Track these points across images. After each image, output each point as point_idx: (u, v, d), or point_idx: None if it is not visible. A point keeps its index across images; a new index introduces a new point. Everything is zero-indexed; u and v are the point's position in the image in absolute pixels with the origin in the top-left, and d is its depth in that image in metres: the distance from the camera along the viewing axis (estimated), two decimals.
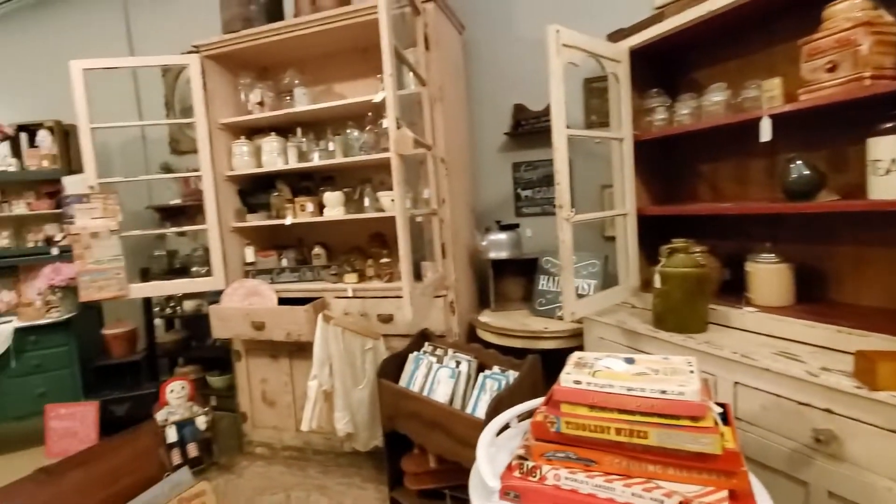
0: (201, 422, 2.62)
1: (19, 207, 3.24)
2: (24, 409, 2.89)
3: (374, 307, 2.33)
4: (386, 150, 2.36)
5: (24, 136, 3.36)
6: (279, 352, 2.53)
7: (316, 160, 2.48)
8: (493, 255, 2.30)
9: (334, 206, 2.48)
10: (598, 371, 1.06)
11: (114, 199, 2.51)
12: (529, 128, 2.51)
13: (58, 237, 3.27)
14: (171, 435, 2.51)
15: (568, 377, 1.04)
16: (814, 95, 1.30)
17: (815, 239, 1.54)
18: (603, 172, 2.45)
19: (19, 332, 2.86)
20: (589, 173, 2.51)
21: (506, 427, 1.31)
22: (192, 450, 2.55)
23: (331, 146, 2.49)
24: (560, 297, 2.09)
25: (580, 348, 1.93)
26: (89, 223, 2.46)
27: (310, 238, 2.79)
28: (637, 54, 1.82)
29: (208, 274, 2.76)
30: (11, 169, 3.21)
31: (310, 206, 2.51)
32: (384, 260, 2.43)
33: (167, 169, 3.40)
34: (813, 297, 1.51)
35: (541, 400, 1.39)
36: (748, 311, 1.47)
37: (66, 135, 3.34)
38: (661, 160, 1.96)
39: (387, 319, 2.30)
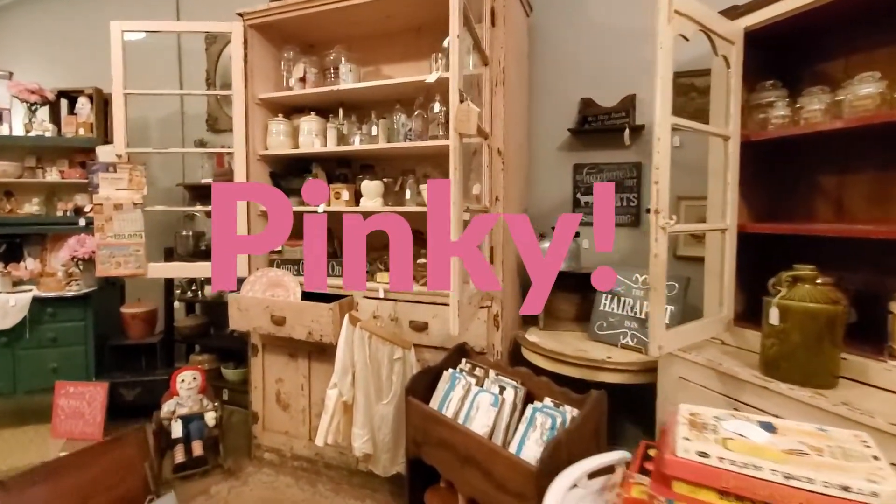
0: (210, 418, 2.42)
1: (52, 175, 3.15)
2: (36, 382, 2.77)
3: (407, 312, 2.07)
4: (435, 137, 2.10)
5: (64, 103, 3.29)
6: (298, 351, 2.30)
7: (357, 144, 2.25)
8: None
9: (372, 196, 2.23)
10: (729, 440, 0.76)
11: (141, 171, 2.35)
12: (598, 125, 2.20)
13: (87, 208, 3.16)
14: (177, 430, 2.32)
15: (687, 444, 0.74)
16: None
17: None
18: (680, 182, 2.13)
19: (37, 303, 2.74)
20: None
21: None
22: (197, 448, 2.35)
23: (374, 130, 2.26)
24: (626, 323, 1.79)
25: (650, 387, 1.61)
26: (113, 194, 2.30)
27: (342, 229, 2.56)
28: (750, 38, 1.50)
29: None
30: (48, 134, 3.12)
31: (345, 195, 2.28)
32: (422, 261, 2.17)
33: (202, 145, 3.26)
34: None
35: (618, 456, 1.09)
36: None
37: (105, 104, 3.24)
38: (767, 168, 1.63)
39: (420, 328, 2.03)
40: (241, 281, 2.36)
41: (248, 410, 2.56)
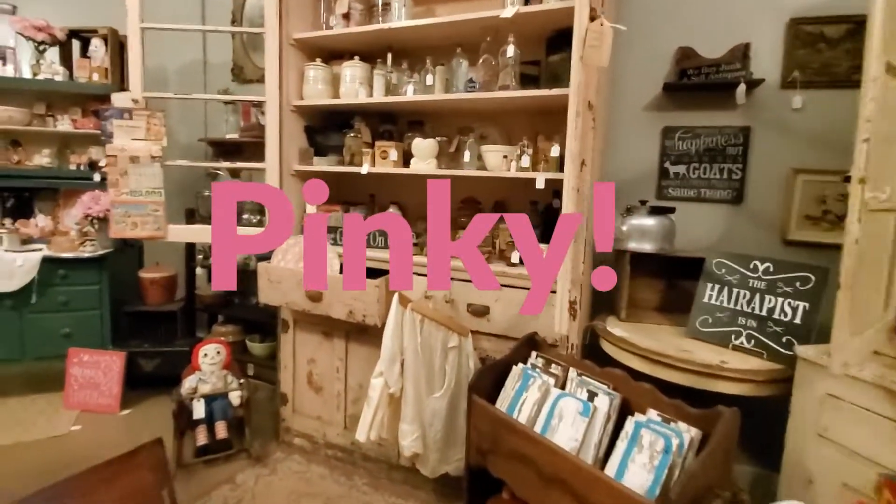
0: (235, 397, 2.20)
1: (63, 124, 2.88)
2: (47, 349, 2.57)
3: (465, 294, 1.78)
4: (506, 88, 1.76)
5: (76, 44, 2.99)
6: (334, 329, 2.05)
7: (410, 94, 1.92)
8: (633, 246, 1.69)
9: (425, 157, 1.92)
10: None
11: (160, 119, 2.06)
12: (700, 80, 1.83)
13: (102, 162, 2.89)
14: (199, 410, 2.10)
15: None
16: None
17: None
18: (798, 151, 1.78)
19: (48, 263, 2.51)
20: (772, 152, 1.83)
21: None
22: (221, 430, 2.15)
23: (430, 79, 1.92)
24: (740, 320, 1.46)
25: (781, 401, 1.32)
26: (129, 144, 2.02)
27: (385, 194, 2.27)
28: None
29: (260, 224, 2.31)
30: (59, 78, 2.83)
31: (393, 154, 1.97)
32: None
33: (235, 100, 2.94)
34: None
35: None
36: None
37: (121, 47, 2.92)
38: None
39: (480, 312, 1.75)
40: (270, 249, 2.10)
41: (275, 387, 2.34)
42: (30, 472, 1.99)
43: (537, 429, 1.33)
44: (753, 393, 1.33)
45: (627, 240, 1.70)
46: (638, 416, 1.24)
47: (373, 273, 1.87)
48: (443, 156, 1.99)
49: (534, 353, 1.58)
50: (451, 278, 1.80)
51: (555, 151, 1.67)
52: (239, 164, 2.37)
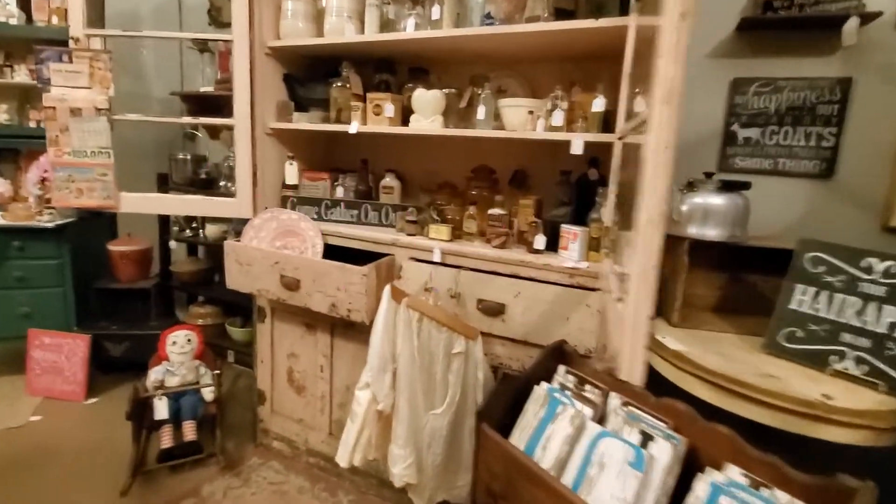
0: (207, 392, 1.92)
1: (20, 74, 2.52)
2: (5, 329, 2.30)
3: (475, 286, 1.43)
4: (534, 20, 1.35)
5: None
6: (317, 322, 1.72)
7: (410, 30, 1.51)
8: (694, 231, 1.30)
9: (428, 113, 1.53)
10: None
11: (105, 63, 1.68)
12: (790, 14, 1.40)
13: None
14: (161, 410, 1.81)
15: None
16: None
17: None
18: None
19: (1, 234, 2.20)
20: (880, 112, 1.41)
21: None
22: (189, 430, 1.86)
23: (435, 12, 1.50)
24: (844, 336, 1.06)
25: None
26: (69, 93, 1.66)
27: (380, 159, 1.89)
28: None
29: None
30: (14, 22, 2.45)
31: (389, 109, 1.58)
32: (496, 210, 1.49)
33: (199, 42, 2.54)
34: None
35: None
36: None
37: None
38: None
39: (493, 311, 1.40)
40: (242, 223, 1.75)
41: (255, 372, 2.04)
42: None
43: (568, 478, 0.99)
44: (872, 443, 0.97)
45: (687, 223, 1.31)
46: (712, 474, 0.90)
47: (362, 256, 1.53)
48: (451, 113, 1.60)
49: (562, 369, 1.22)
50: (459, 267, 1.45)
51: (597, 105, 1.27)
52: (203, 120, 2.00)
